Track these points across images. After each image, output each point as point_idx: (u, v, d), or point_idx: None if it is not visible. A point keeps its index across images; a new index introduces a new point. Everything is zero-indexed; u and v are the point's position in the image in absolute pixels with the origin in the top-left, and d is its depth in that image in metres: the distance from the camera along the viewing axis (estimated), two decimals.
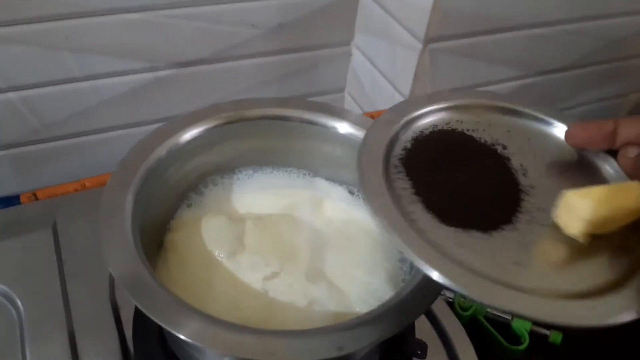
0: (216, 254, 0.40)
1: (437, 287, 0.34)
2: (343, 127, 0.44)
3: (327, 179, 0.49)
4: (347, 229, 0.45)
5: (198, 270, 0.40)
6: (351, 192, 0.48)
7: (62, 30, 0.57)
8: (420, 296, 0.34)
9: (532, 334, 0.61)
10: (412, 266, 0.40)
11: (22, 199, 0.59)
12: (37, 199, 0.59)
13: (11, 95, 0.59)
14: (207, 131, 0.42)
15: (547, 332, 0.62)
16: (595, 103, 0.86)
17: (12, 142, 0.63)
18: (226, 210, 0.46)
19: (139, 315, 0.46)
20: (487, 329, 0.61)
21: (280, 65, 0.71)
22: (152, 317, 0.31)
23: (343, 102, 0.81)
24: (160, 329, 0.45)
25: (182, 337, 0.30)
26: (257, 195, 0.47)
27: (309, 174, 0.49)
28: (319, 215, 0.46)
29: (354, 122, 0.44)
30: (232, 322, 0.32)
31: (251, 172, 0.48)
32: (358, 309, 0.38)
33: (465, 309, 0.61)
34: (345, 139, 0.45)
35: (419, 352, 0.46)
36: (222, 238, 0.41)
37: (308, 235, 0.43)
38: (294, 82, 0.74)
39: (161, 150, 0.40)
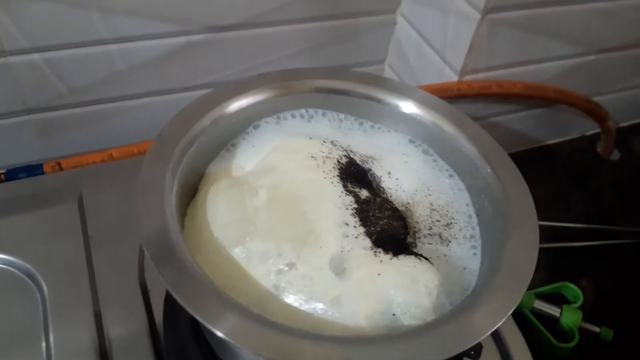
0: (223, 239, 0.34)
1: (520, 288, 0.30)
2: (408, 107, 0.40)
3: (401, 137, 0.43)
4: (404, 199, 0.39)
5: (206, 257, 0.33)
6: (426, 152, 0.42)
7: None
8: (499, 298, 0.30)
9: (581, 330, 0.57)
10: (490, 252, 0.36)
11: (46, 168, 0.56)
12: (61, 169, 0.56)
13: (35, 56, 0.56)
14: (254, 104, 0.38)
15: (597, 329, 0.58)
16: None
17: (35, 106, 0.60)
18: (257, 159, 0.39)
19: (170, 299, 0.43)
20: (534, 324, 0.58)
21: (318, 32, 0.67)
22: (197, 315, 0.27)
23: (383, 74, 0.76)
24: (194, 318, 0.42)
25: (226, 337, 0.27)
26: (298, 143, 0.40)
27: (376, 127, 0.43)
28: (369, 178, 0.40)
29: (420, 101, 0.40)
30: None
31: (312, 113, 0.43)
32: (397, 310, 0.32)
33: None
34: (409, 118, 0.41)
35: (472, 352, 0.43)
36: (229, 219, 0.35)
37: (338, 207, 0.36)
38: (332, 51, 0.69)
39: (205, 122, 0.36)
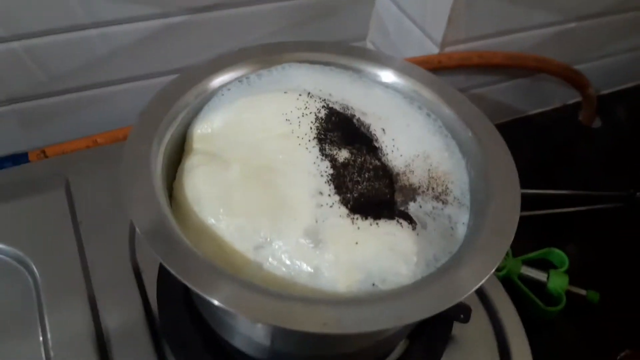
0: (202, 217, 0.33)
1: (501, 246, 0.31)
2: (387, 76, 0.40)
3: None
4: (399, 163, 0.37)
5: (191, 233, 0.33)
6: (428, 115, 0.40)
7: None
8: (483, 256, 0.30)
9: (568, 294, 0.58)
10: (475, 214, 0.35)
11: (31, 156, 0.56)
12: (46, 156, 0.56)
13: (14, 44, 0.55)
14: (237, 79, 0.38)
15: (583, 292, 0.59)
16: (632, 52, 0.81)
17: (17, 95, 0.59)
18: (229, 115, 0.38)
19: (162, 277, 0.44)
20: (522, 289, 0.59)
21: (298, 10, 0.66)
22: (189, 284, 0.28)
23: None
24: (186, 293, 0.42)
25: (221, 304, 0.27)
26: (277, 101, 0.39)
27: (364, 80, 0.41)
28: (355, 125, 0.38)
29: (399, 69, 0.40)
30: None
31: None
32: (376, 279, 0.32)
33: (498, 269, 0.58)
34: (390, 87, 0.41)
35: (461, 315, 0.44)
36: (203, 197, 0.34)
37: (312, 175, 0.35)
38: (312, 29, 0.69)
39: (187, 98, 0.36)
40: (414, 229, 0.34)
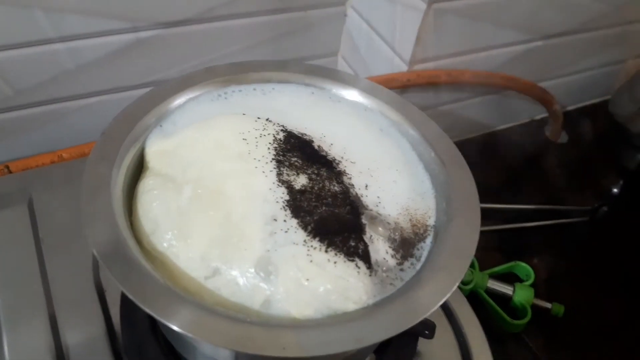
0: (154, 242, 0.32)
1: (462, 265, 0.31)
2: (352, 95, 0.41)
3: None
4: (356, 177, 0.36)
5: (147, 257, 0.32)
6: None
7: None
8: (443, 276, 0.31)
9: (533, 307, 0.59)
10: (435, 236, 0.35)
11: None
12: (10, 171, 0.55)
13: None
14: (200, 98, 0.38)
15: (548, 305, 0.60)
16: (597, 69, 0.83)
17: None
18: (184, 135, 0.37)
19: (126, 297, 0.43)
20: (488, 303, 0.60)
21: (269, 26, 0.67)
22: (147, 309, 0.27)
23: (336, 66, 0.77)
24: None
25: (180, 330, 0.27)
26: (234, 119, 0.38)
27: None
28: (315, 148, 0.37)
29: (364, 89, 0.40)
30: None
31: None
32: (326, 313, 0.31)
33: (465, 283, 0.59)
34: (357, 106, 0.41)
35: (426, 332, 0.44)
36: (153, 223, 0.33)
37: (267, 202, 0.34)
38: (284, 45, 0.70)
39: (149, 119, 0.36)
40: (370, 274, 0.32)
